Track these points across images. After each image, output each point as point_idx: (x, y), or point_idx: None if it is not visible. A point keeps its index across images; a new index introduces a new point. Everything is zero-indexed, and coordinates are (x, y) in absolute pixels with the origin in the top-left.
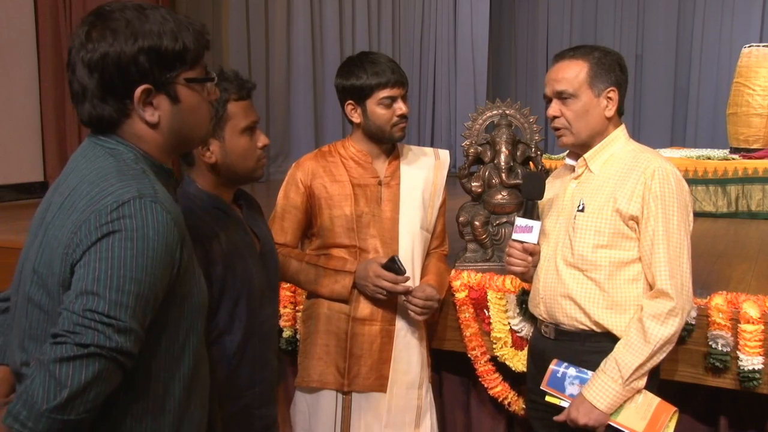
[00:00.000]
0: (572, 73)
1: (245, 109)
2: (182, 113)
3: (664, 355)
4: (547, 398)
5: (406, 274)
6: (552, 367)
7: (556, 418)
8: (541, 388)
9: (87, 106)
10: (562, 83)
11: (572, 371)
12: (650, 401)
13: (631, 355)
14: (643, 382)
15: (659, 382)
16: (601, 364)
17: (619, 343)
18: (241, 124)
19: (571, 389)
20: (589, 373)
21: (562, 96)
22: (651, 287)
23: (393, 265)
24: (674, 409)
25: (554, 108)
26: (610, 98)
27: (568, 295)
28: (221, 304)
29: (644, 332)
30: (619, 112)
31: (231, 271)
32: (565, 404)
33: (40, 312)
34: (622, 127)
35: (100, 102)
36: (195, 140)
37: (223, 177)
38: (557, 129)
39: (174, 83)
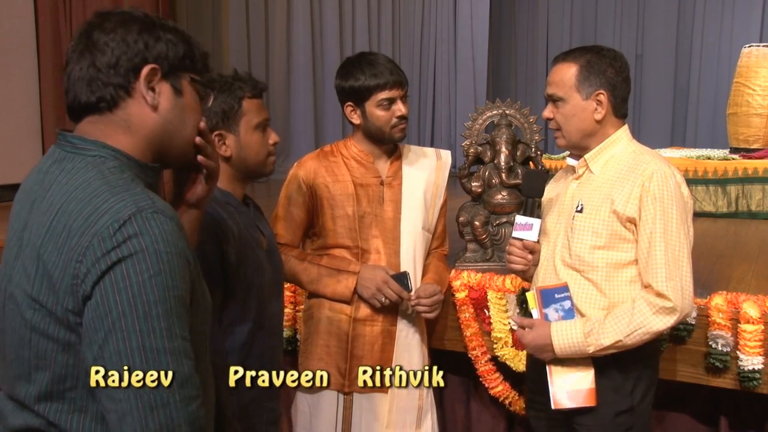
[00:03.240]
0: (561, 77)
1: (258, 106)
2: (181, 108)
3: (636, 343)
4: (527, 294)
5: (410, 293)
6: (558, 286)
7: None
8: (536, 287)
9: (88, 77)
10: (552, 86)
11: (567, 304)
12: (589, 382)
13: (611, 329)
14: (601, 354)
15: (658, 381)
16: (585, 318)
17: (610, 314)
18: (255, 120)
19: (551, 313)
20: (577, 318)
21: (553, 99)
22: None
23: (403, 280)
24: (594, 402)
25: (547, 110)
26: (599, 101)
27: None
28: (234, 294)
29: (632, 313)
30: (621, 113)
31: (243, 261)
32: (533, 313)
33: (48, 341)
34: (625, 128)
35: (105, 76)
36: (177, 144)
37: (236, 171)
38: (554, 130)
39: (180, 77)
